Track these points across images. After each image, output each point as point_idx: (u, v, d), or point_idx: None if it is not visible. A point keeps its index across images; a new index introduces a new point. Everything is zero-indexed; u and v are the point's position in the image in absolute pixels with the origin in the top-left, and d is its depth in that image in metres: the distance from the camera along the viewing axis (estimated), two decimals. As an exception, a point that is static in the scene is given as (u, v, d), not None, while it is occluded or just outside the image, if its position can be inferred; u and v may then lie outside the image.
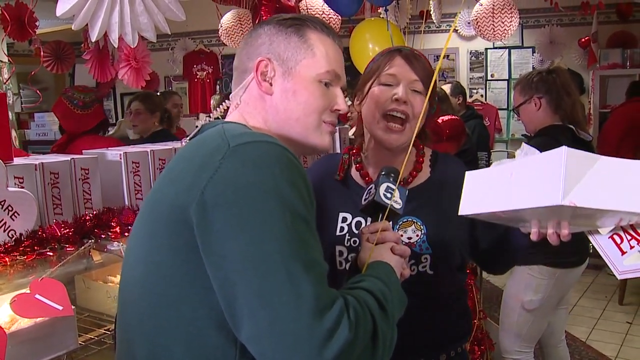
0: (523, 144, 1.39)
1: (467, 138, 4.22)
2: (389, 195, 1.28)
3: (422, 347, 1.52)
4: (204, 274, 0.93)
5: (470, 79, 7.06)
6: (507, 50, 6.85)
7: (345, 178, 1.61)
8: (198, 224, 0.92)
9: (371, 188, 1.31)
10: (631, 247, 1.14)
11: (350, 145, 1.71)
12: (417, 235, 1.51)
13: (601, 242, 1.17)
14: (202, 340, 0.96)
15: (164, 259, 0.99)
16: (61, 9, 2.27)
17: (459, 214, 1.30)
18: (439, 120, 3.25)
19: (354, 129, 3.68)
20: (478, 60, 7.05)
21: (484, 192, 1.25)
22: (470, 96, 6.84)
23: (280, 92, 1.15)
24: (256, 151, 0.97)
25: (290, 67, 1.15)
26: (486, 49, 6.93)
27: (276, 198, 0.91)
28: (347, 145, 3.27)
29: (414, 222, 1.52)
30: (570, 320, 4.56)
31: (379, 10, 4.55)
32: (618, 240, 1.15)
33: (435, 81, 1.47)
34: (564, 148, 1.08)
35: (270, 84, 1.15)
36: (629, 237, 1.14)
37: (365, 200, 1.32)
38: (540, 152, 1.21)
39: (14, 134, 4.77)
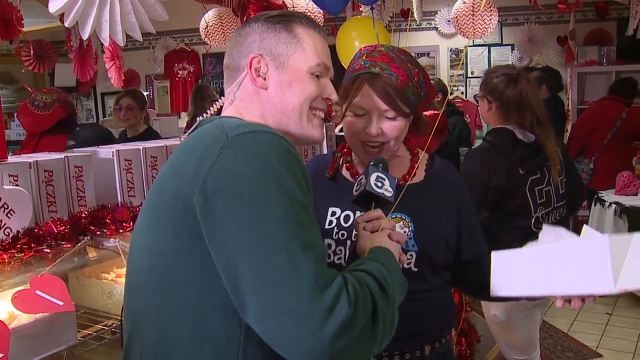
0: (544, 225, 1.44)
1: (448, 133, 4.28)
2: (379, 184, 1.31)
3: (406, 339, 1.53)
4: (208, 260, 0.96)
5: (451, 75, 7.14)
6: (487, 47, 6.93)
7: (335, 175, 1.64)
8: (201, 211, 0.96)
9: (362, 179, 1.34)
10: None
11: (343, 142, 1.73)
12: (405, 232, 1.53)
13: None
14: (207, 324, 0.99)
15: (170, 247, 1.02)
16: (54, 6, 2.28)
17: (491, 294, 1.36)
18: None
19: (339, 127, 3.70)
20: (458, 58, 7.13)
21: (518, 274, 1.32)
22: (451, 93, 6.92)
23: (275, 86, 1.18)
24: (254, 140, 1.00)
25: (282, 62, 1.19)
26: (466, 46, 7.01)
27: (275, 184, 0.95)
28: (332, 142, 3.31)
29: (402, 218, 1.55)
30: (552, 312, 4.66)
31: (360, 9, 4.60)
32: None
33: (409, 99, 1.50)
34: (606, 238, 1.18)
35: (265, 79, 1.19)
36: None
37: (356, 191, 1.35)
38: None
39: (-4, 134, 4.72)
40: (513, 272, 1.34)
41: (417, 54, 7.29)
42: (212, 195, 0.95)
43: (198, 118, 1.26)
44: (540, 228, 2.46)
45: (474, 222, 1.68)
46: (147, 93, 7.99)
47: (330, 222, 1.57)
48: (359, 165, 1.64)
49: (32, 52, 4.37)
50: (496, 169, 2.46)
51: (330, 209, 1.58)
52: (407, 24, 6.89)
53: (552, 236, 1.36)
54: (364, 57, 1.56)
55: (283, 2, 3.37)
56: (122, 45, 2.47)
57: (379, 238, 1.23)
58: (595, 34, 6.47)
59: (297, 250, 0.91)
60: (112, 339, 1.62)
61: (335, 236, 1.56)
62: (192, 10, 4.98)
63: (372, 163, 1.35)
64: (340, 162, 1.67)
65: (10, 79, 7.39)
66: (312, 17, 3.83)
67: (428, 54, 7.26)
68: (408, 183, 1.60)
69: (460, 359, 2.97)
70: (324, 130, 1.28)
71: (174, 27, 7.52)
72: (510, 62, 6.85)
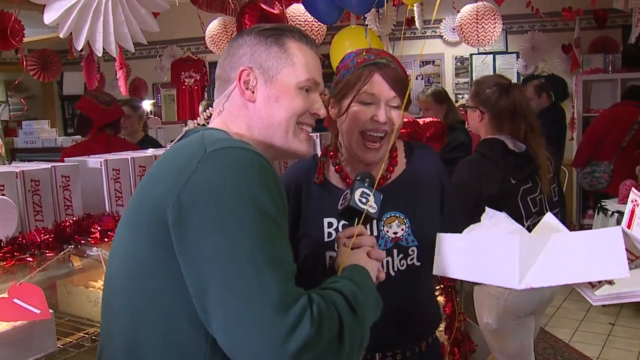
0: (487, 208, 1.50)
1: (464, 136, 4.23)
2: (364, 200, 1.32)
3: (410, 337, 1.60)
4: (179, 271, 0.98)
5: (456, 84, 7.13)
6: (492, 55, 6.92)
7: (324, 181, 1.63)
8: (173, 223, 0.98)
9: (347, 193, 1.35)
10: (599, 282, 1.24)
11: (326, 146, 1.73)
12: (402, 230, 1.55)
13: None
14: (176, 333, 1.01)
15: (145, 255, 1.04)
16: (49, 17, 2.33)
17: (433, 273, 1.42)
18: (420, 122, 3.30)
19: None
20: (463, 66, 7.12)
21: (453, 258, 1.38)
22: (456, 101, 6.91)
23: (263, 99, 1.20)
24: (231, 156, 1.02)
25: (271, 76, 1.20)
26: (471, 54, 7.01)
27: (248, 200, 0.97)
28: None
29: (397, 217, 1.56)
30: (554, 322, 4.63)
31: (364, 18, 4.63)
32: None
33: (411, 90, 1.53)
34: (516, 239, 1.23)
35: (253, 92, 1.20)
36: None
37: (341, 205, 1.36)
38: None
39: (0, 142, 4.80)
40: (450, 255, 1.39)
41: (422, 62, 7.30)
42: (186, 207, 0.97)
43: (184, 128, 1.28)
44: None
45: (455, 207, 1.71)
46: (154, 101, 8.06)
47: (330, 234, 1.57)
48: (348, 166, 1.63)
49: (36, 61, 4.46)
50: (488, 180, 2.47)
51: (326, 220, 1.58)
52: (409, 32, 6.91)
53: (492, 221, 1.43)
54: (364, 53, 1.59)
55: (281, 11, 3.39)
56: (114, 55, 2.50)
57: (356, 255, 1.24)
58: (600, 42, 6.44)
59: (264, 267, 0.92)
60: (92, 346, 1.64)
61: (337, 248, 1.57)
62: (198, 19, 5.03)
63: (358, 178, 1.36)
64: (328, 167, 1.65)
65: (19, 87, 7.49)
66: (313, 27, 3.86)
67: (433, 62, 7.27)
68: (392, 179, 1.62)
69: (454, 369, 2.96)
70: (318, 141, 1.30)
71: (180, 35, 7.60)
72: (515, 70, 6.86)
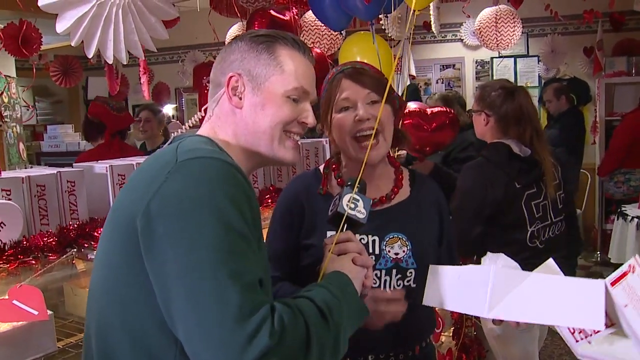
0: (488, 252, 1.53)
1: (474, 137, 4.16)
2: (353, 205, 1.33)
3: (404, 342, 1.63)
4: (147, 278, 1.01)
5: (476, 88, 7.08)
6: (513, 59, 6.87)
7: (328, 193, 1.65)
8: (142, 232, 1.01)
9: (336, 199, 1.37)
10: (581, 339, 1.27)
11: (329, 159, 1.77)
12: (404, 251, 1.58)
13: (561, 328, 1.30)
14: (145, 338, 1.04)
15: (118, 262, 1.07)
16: (61, 27, 2.40)
17: (423, 303, 1.46)
18: (428, 112, 3.28)
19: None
20: (484, 70, 7.08)
21: (441, 289, 1.43)
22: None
23: (250, 106, 1.21)
24: (200, 167, 1.04)
25: (259, 83, 1.21)
26: (492, 58, 6.96)
27: (212, 211, 0.98)
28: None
29: (399, 238, 1.59)
30: (572, 328, 4.56)
31: (380, 22, 4.64)
32: (571, 329, 1.28)
33: (391, 86, 1.55)
34: (492, 268, 1.28)
35: (240, 99, 1.21)
36: (578, 330, 1.27)
37: (330, 211, 1.38)
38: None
39: (22, 146, 4.93)
40: (439, 287, 1.43)
41: (443, 66, 7.28)
42: (154, 217, 1.00)
43: (173, 134, 1.31)
44: (535, 242, 2.47)
45: (452, 235, 1.74)
46: (176, 105, 8.17)
47: None
48: None
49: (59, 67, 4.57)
50: (492, 184, 2.47)
51: (329, 233, 1.59)
52: (429, 36, 6.89)
53: (492, 261, 1.45)
54: (333, 69, 1.65)
55: (292, 17, 3.42)
56: (124, 63, 2.56)
57: (340, 262, 1.25)
58: (624, 44, 6.34)
59: (224, 277, 0.94)
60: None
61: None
62: (220, 25, 5.10)
63: (348, 184, 1.38)
64: (330, 179, 1.68)
65: (46, 92, 7.67)
66: (327, 34, 3.88)
67: (454, 65, 7.24)
68: (397, 201, 1.65)
69: (462, 375, 2.95)
70: (299, 152, 1.32)
71: (202, 40, 7.70)
72: (536, 73, 6.79)
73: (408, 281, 1.58)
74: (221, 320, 0.92)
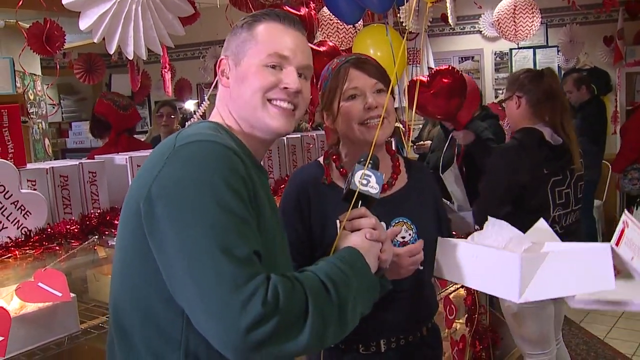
0: (490, 218, 1.58)
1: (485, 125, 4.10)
2: (365, 182, 1.35)
3: (413, 324, 1.70)
4: (152, 258, 1.08)
5: (495, 79, 7.07)
6: (532, 50, 6.83)
7: (332, 183, 1.70)
8: (145, 214, 1.08)
9: (349, 177, 1.39)
10: None
11: (327, 150, 1.81)
12: (410, 235, 1.65)
13: None
14: (154, 312, 1.12)
15: (128, 244, 1.16)
16: (84, 24, 2.49)
17: (433, 274, 1.54)
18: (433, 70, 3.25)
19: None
20: (503, 61, 7.05)
21: (454, 264, 1.49)
22: (496, 97, 6.86)
23: (233, 82, 1.27)
24: (194, 150, 1.11)
25: (240, 59, 1.26)
26: (510, 49, 6.93)
27: (206, 191, 1.05)
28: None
29: (404, 222, 1.66)
30: (590, 318, 4.57)
31: (398, 15, 4.66)
32: None
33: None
34: (518, 257, 1.35)
35: (228, 78, 1.28)
36: None
37: (344, 189, 1.41)
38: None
39: (47, 142, 5.07)
40: (451, 260, 1.49)
41: (462, 58, 7.27)
42: (154, 200, 1.07)
43: (187, 122, 1.38)
44: (555, 228, 2.56)
45: (447, 218, 1.84)
46: (197, 101, 8.28)
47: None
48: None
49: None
50: (521, 167, 2.55)
51: (338, 222, 1.65)
52: (448, 28, 6.89)
53: (495, 229, 1.51)
54: (335, 60, 1.71)
55: (307, 13, 3.47)
56: (144, 58, 2.64)
57: (353, 238, 1.28)
58: (645, 33, 6.27)
59: (217, 252, 1.01)
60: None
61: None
62: (238, 20, 5.18)
63: (361, 160, 1.39)
64: (332, 170, 1.73)
65: (71, 89, 7.83)
66: (345, 27, 3.92)
67: (472, 57, 7.22)
68: (398, 187, 1.71)
69: (476, 361, 2.99)
70: (292, 121, 1.32)
71: (223, 36, 7.67)
72: (556, 64, 6.74)
73: None
74: (217, 290, 0.99)
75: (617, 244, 1.30)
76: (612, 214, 6.23)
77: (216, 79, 1.36)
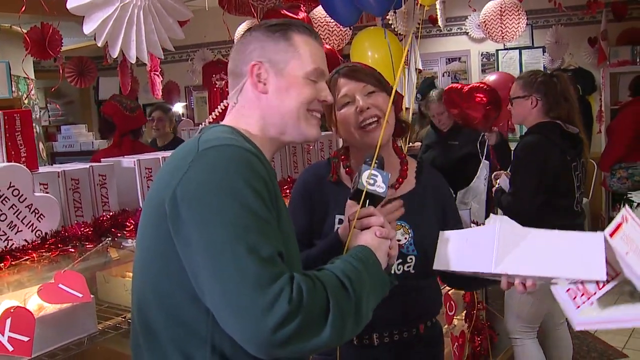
0: (491, 214, 1.60)
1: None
2: (371, 181, 1.40)
3: (405, 321, 1.72)
4: (177, 257, 1.12)
5: (482, 80, 7.16)
6: (518, 51, 6.94)
7: (338, 180, 1.76)
8: (169, 216, 1.12)
9: (356, 177, 1.44)
10: (583, 302, 1.30)
11: (336, 150, 1.87)
12: (405, 238, 1.69)
13: (559, 295, 1.34)
14: (178, 311, 1.15)
15: (151, 244, 1.19)
16: (88, 28, 2.51)
17: (433, 268, 1.51)
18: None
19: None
20: (489, 62, 7.15)
21: (449, 253, 1.49)
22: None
23: (275, 91, 1.30)
24: (217, 154, 1.15)
25: (281, 68, 1.30)
26: (497, 50, 7.03)
27: (228, 193, 1.09)
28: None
29: (402, 226, 1.70)
30: (581, 314, 4.65)
31: (387, 18, 4.72)
32: (572, 294, 1.31)
33: (384, 78, 1.71)
34: (497, 226, 1.33)
35: (265, 84, 1.30)
36: (580, 293, 1.30)
37: (352, 188, 1.46)
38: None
39: (41, 146, 5.05)
40: (447, 250, 1.50)
41: (448, 59, 7.36)
42: (179, 202, 1.11)
43: (201, 125, 1.40)
44: (578, 207, 2.89)
45: (458, 220, 1.83)
46: (186, 103, 8.29)
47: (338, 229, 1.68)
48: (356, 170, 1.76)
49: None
50: (550, 157, 2.78)
51: (337, 217, 1.70)
52: (435, 30, 6.97)
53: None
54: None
55: (305, 16, 3.52)
56: (146, 62, 2.67)
57: (363, 236, 1.33)
58: (628, 34, 6.39)
59: (241, 251, 1.04)
60: (129, 329, 1.79)
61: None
62: (228, 23, 5.19)
63: (367, 160, 1.45)
64: (339, 168, 1.78)
65: (58, 93, 7.80)
66: (337, 28, 3.97)
67: (459, 58, 7.31)
68: (403, 192, 1.74)
69: (475, 357, 3.06)
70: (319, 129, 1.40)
71: (211, 39, 7.80)
72: (541, 64, 6.85)
73: (408, 267, 1.69)
74: (242, 289, 1.03)
75: (611, 236, 1.25)
76: (598, 211, 6.35)
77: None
